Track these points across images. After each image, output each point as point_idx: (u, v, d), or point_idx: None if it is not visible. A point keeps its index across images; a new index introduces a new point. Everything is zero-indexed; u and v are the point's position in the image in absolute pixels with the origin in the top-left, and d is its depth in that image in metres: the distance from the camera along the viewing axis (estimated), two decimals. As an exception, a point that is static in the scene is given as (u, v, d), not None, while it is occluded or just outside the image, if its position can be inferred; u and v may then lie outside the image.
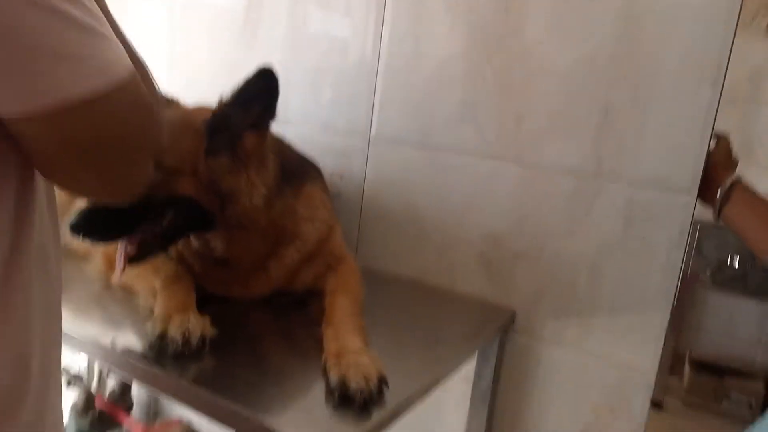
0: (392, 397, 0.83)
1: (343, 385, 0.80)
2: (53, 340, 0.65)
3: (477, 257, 1.31)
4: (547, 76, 1.19)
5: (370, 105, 1.39)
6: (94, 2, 0.52)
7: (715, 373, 3.72)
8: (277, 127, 1.23)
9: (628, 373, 1.18)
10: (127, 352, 0.90)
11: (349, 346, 0.89)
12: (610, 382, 1.20)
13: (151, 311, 0.97)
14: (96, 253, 1.18)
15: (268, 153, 1.02)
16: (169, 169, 0.92)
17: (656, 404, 3.53)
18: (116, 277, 0.99)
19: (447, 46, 1.29)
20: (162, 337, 0.88)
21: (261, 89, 0.95)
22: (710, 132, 1.06)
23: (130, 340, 0.94)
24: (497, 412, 1.32)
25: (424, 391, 0.91)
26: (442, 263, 1.36)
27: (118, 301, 1.08)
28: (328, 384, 0.84)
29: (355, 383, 0.80)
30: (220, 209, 0.98)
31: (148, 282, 1.04)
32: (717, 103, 1.05)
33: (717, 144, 1.13)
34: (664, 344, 3.05)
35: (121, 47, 0.53)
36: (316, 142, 1.46)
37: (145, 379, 0.87)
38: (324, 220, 1.16)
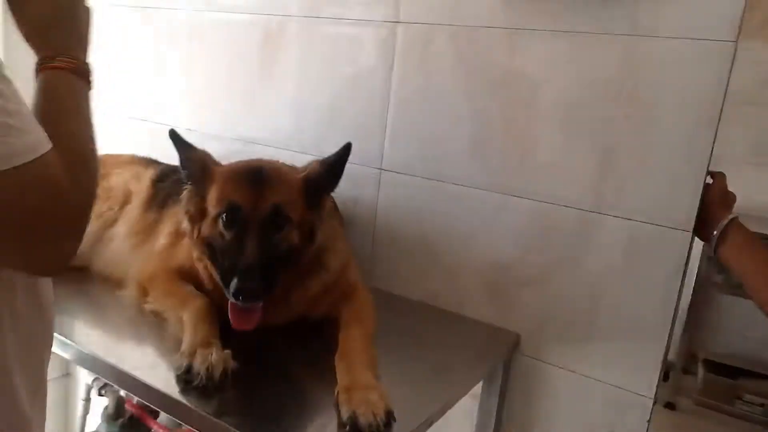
0: (400, 427, 0.91)
1: (354, 420, 0.88)
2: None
3: (484, 284, 1.38)
4: (552, 114, 1.24)
5: (381, 137, 1.46)
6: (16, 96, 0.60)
7: (729, 375, 3.75)
8: (295, 157, 1.32)
9: (627, 396, 1.24)
10: (154, 383, 0.98)
11: (360, 380, 0.96)
12: (609, 403, 1.26)
13: (178, 341, 1.06)
14: (130, 281, 1.27)
15: None
16: (293, 222, 1.09)
17: (669, 405, 3.58)
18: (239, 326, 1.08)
19: (454, 83, 1.35)
20: (188, 371, 0.96)
21: (343, 161, 1.15)
22: (705, 170, 1.11)
23: (158, 371, 1.03)
24: (503, 430, 1.39)
25: (431, 421, 0.98)
26: (451, 288, 1.42)
27: (149, 329, 1.16)
28: (339, 417, 0.91)
29: (364, 418, 0.87)
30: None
31: (177, 313, 1.12)
32: (712, 142, 1.10)
33: (713, 181, 1.17)
34: (678, 345, 3.04)
35: (28, 136, 0.60)
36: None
37: (171, 410, 0.96)
38: (344, 251, 1.24)
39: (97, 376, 1.87)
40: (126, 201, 1.45)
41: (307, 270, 1.16)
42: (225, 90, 1.76)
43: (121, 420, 1.90)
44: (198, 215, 1.13)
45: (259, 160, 1.18)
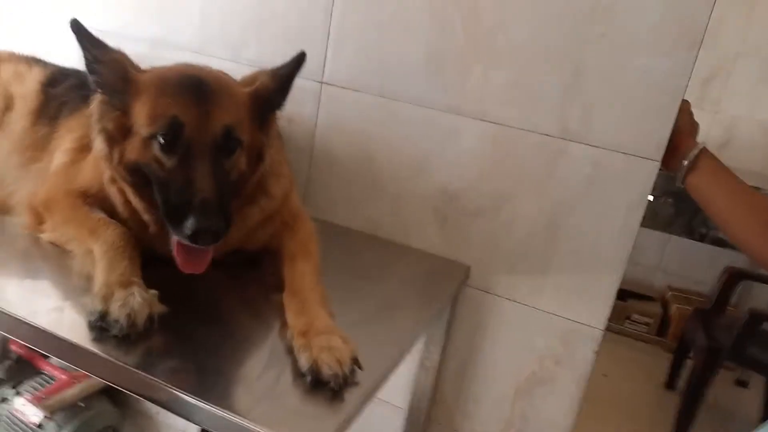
0: (365, 374, 0.80)
1: (316, 369, 0.76)
2: None
3: (433, 212, 1.27)
4: (520, 28, 1.12)
5: (323, 45, 1.27)
6: None
7: (619, 297, 4.02)
8: (215, 63, 1.10)
9: (576, 327, 1.21)
10: (59, 331, 0.79)
11: (318, 323, 0.83)
12: (557, 335, 1.23)
13: (88, 279, 0.87)
14: (20, 205, 1.04)
15: None
16: (243, 146, 0.91)
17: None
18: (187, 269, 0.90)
19: (413, -14, 1.17)
20: (103, 317, 0.78)
21: (294, 75, 0.98)
22: (681, 97, 1.05)
23: (64, 317, 0.84)
24: (447, 360, 1.34)
25: (395, 363, 0.88)
26: (396, 217, 1.31)
27: (48, 264, 0.96)
28: (296, 366, 0.79)
29: (328, 368, 0.76)
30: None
31: (85, 244, 0.92)
32: (691, 68, 1.03)
33: (680, 109, 1.12)
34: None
35: None
36: (261, 80, 1.33)
37: (82, 364, 0.78)
38: (288, 176, 1.08)
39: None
40: (7, 107, 1.18)
41: (248, 197, 0.98)
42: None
43: (7, 363, 1.66)
44: (119, 134, 0.90)
45: (192, 67, 0.96)
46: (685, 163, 1.05)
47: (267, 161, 0.97)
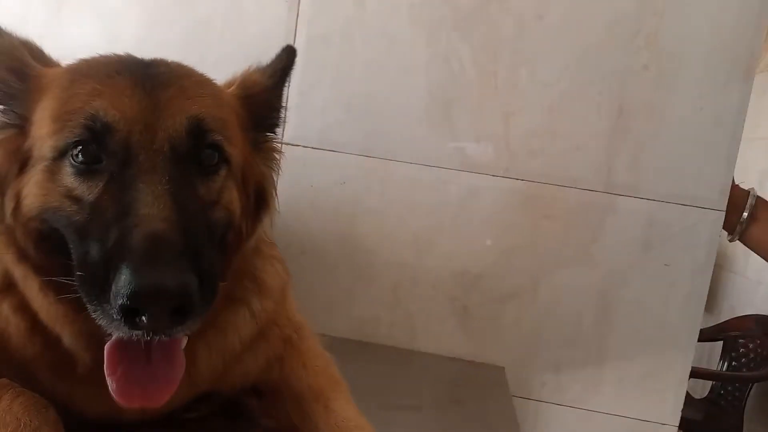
0: None
1: None
2: None
3: (448, 302, 0.98)
4: (547, 62, 0.92)
5: (284, 92, 0.96)
6: None
7: None
8: None
9: (644, 428, 0.96)
10: None
11: None
12: (620, 441, 0.97)
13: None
14: None
15: None
16: (231, 165, 0.55)
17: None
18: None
19: (405, 16, 0.93)
20: None
21: (289, 69, 0.64)
22: (740, 134, 0.90)
23: None
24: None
25: None
26: (397, 313, 0.99)
27: None
28: None
29: None
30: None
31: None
32: (748, 100, 0.89)
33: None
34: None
35: None
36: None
37: None
38: (281, 260, 0.71)
39: None
40: None
41: (229, 293, 0.60)
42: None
43: None
44: (13, 167, 0.51)
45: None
46: (745, 215, 0.91)
47: (272, 208, 0.62)
